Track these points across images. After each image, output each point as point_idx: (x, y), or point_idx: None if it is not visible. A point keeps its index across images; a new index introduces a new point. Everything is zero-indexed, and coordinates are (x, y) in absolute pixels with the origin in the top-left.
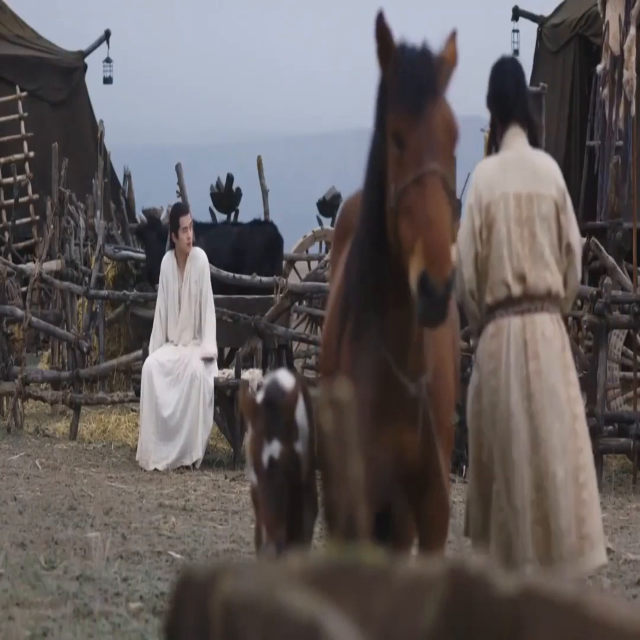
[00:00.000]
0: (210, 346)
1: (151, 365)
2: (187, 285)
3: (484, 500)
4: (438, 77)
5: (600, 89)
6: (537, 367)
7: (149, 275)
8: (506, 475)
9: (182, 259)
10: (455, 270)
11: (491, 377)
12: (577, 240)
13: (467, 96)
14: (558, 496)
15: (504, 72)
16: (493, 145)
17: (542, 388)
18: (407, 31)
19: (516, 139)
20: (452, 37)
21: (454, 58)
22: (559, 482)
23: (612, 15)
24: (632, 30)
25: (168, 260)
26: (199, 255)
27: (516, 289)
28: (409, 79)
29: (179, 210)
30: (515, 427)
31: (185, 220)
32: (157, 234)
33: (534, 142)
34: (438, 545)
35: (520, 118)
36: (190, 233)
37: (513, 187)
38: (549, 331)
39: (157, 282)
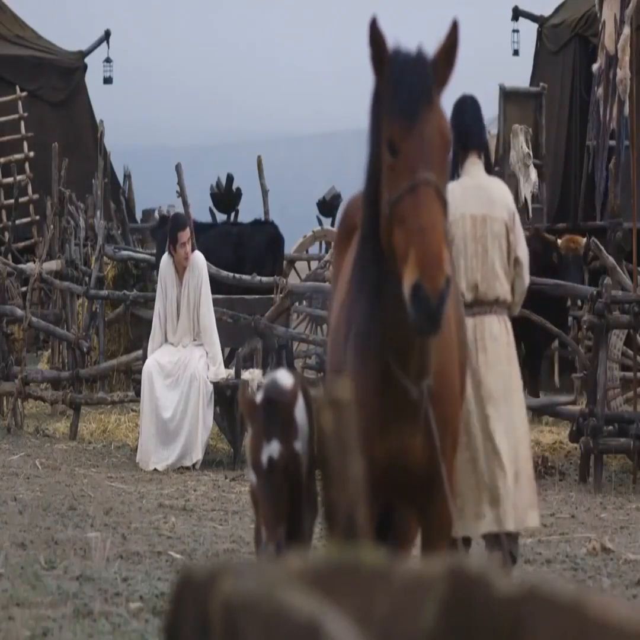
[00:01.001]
0: (221, 369)
1: (151, 367)
2: (185, 292)
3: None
4: (432, 83)
5: (596, 88)
6: (485, 359)
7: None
8: (463, 440)
9: (180, 266)
10: (450, 280)
11: None
12: (524, 254)
13: None
14: (505, 469)
15: (465, 109)
16: (454, 171)
17: (490, 376)
18: (407, 31)
19: (474, 167)
20: (453, 29)
21: (453, 55)
22: (504, 458)
23: (608, 14)
24: (626, 30)
25: (167, 264)
26: (197, 261)
27: (469, 296)
28: (403, 86)
29: (178, 224)
30: (470, 408)
31: (183, 236)
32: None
33: (489, 169)
34: (441, 547)
35: (478, 149)
36: (188, 248)
37: (470, 209)
38: (495, 330)
39: None
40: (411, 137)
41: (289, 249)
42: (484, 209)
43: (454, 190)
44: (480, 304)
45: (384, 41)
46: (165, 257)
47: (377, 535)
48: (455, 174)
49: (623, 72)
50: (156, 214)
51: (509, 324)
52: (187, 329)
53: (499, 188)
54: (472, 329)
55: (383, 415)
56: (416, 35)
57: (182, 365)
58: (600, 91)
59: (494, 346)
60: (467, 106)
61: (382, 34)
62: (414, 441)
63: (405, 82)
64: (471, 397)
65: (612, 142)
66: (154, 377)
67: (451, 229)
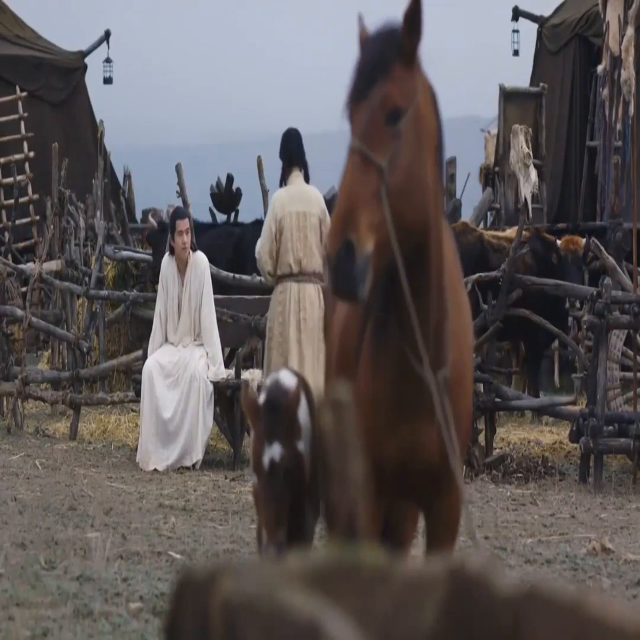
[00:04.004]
0: (221, 370)
1: (151, 367)
2: (187, 290)
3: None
4: (387, 56)
5: (600, 89)
6: (304, 316)
7: (155, 278)
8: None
9: (182, 264)
10: (352, 245)
11: (279, 316)
12: (318, 242)
13: (467, 96)
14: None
15: (290, 138)
16: (282, 181)
17: (306, 328)
18: None
19: (297, 179)
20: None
21: (416, 24)
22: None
23: (612, 15)
24: (630, 31)
25: (168, 263)
26: (200, 260)
27: (295, 268)
28: (356, 65)
29: (177, 214)
30: (291, 347)
31: (182, 224)
32: (162, 240)
33: (307, 179)
34: (448, 545)
35: (299, 165)
36: (186, 238)
37: (295, 208)
38: (313, 295)
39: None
40: (352, 111)
41: None
42: (304, 207)
43: (284, 193)
44: (304, 274)
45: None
46: (167, 257)
47: (379, 535)
48: (283, 183)
49: (627, 73)
50: (151, 218)
51: (322, 292)
52: (188, 328)
53: (314, 193)
54: (297, 291)
55: (398, 409)
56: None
57: (182, 365)
58: (605, 92)
59: (311, 309)
60: (292, 137)
61: (367, 30)
62: (427, 437)
63: (358, 61)
64: (293, 339)
65: (617, 143)
66: (154, 377)
67: (282, 222)
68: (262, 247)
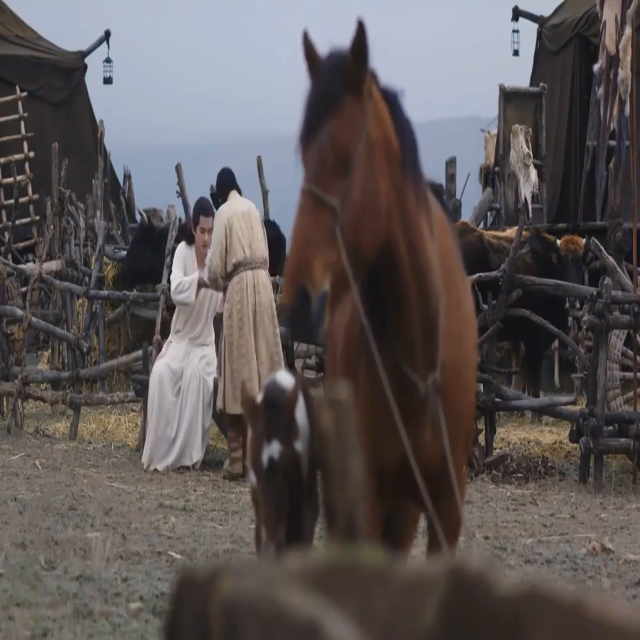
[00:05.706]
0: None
1: (163, 372)
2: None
3: (232, 370)
4: (335, 90)
5: (596, 88)
6: (259, 299)
7: (124, 278)
8: (244, 351)
9: (200, 261)
10: (307, 293)
11: (238, 303)
12: (263, 235)
13: (467, 96)
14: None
15: (225, 175)
16: (222, 200)
17: (261, 311)
18: (410, 30)
19: (235, 196)
20: (359, 29)
21: (363, 56)
22: (263, 360)
23: (609, 14)
24: (628, 30)
25: (185, 249)
26: None
27: (247, 253)
28: (305, 101)
29: (203, 209)
30: (249, 328)
31: (206, 222)
32: (146, 240)
33: (240, 194)
34: (449, 545)
35: (234, 189)
36: (208, 237)
37: (239, 209)
38: (265, 280)
39: (133, 285)
40: (304, 151)
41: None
42: (246, 208)
43: (228, 206)
44: (254, 262)
45: (316, 53)
46: (184, 245)
47: (379, 536)
48: (223, 201)
49: (624, 72)
50: (141, 213)
51: (269, 277)
52: (200, 314)
53: (248, 201)
54: (251, 278)
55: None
56: (417, 33)
57: (185, 369)
58: (600, 91)
59: (264, 293)
60: (227, 175)
61: (314, 47)
62: (425, 439)
63: (307, 97)
64: (250, 321)
65: (613, 142)
66: (165, 382)
67: (231, 221)
68: (213, 252)
